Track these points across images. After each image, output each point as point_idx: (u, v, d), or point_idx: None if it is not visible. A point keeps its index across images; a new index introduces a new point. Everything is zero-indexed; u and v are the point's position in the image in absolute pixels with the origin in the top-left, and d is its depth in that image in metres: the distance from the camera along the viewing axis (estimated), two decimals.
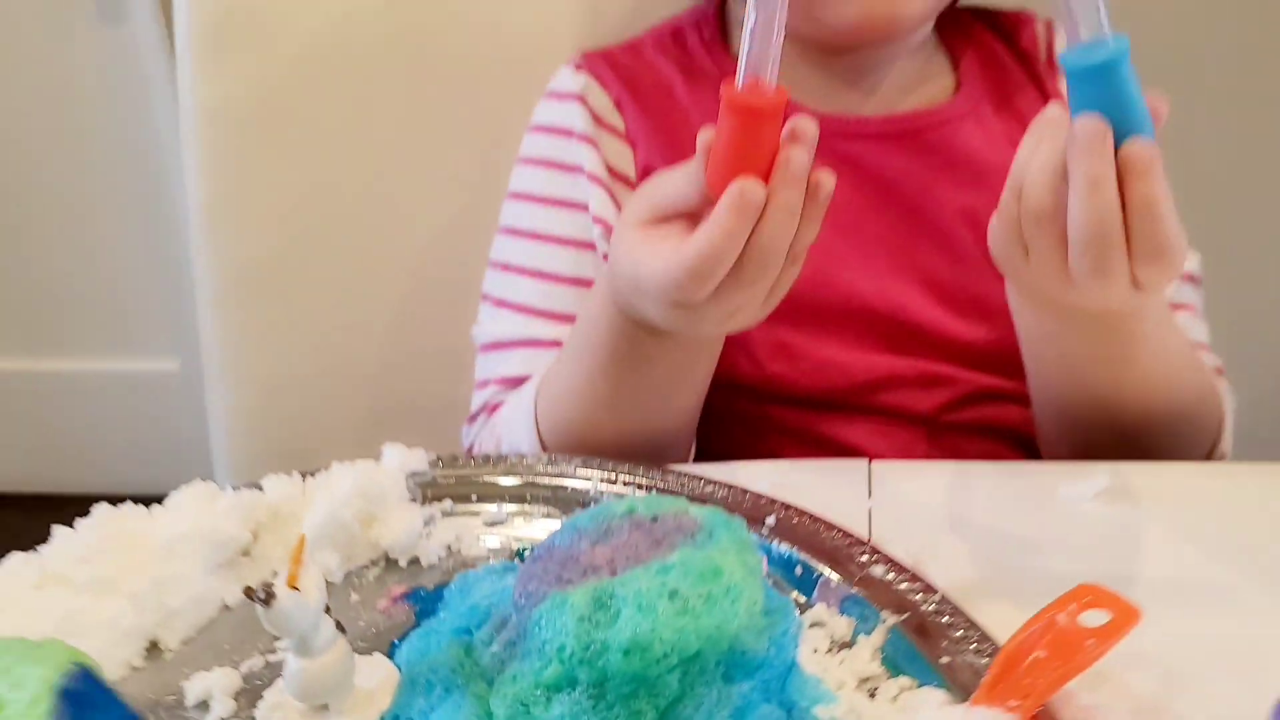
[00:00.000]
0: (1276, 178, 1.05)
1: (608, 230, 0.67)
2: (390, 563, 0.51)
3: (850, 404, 0.66)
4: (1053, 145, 0.47)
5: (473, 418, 0.70)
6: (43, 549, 0.49)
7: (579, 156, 0.69)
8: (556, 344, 0.67)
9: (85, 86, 1.51)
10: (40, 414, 1.74)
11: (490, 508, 0.54)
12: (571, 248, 0.68)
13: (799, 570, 0.47)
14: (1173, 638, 0.43)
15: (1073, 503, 0.53)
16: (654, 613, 0.38)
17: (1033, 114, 0.70)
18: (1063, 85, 0.71)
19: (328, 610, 0.40)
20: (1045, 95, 0.71)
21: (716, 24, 0.73)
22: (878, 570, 0.46)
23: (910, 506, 0.53)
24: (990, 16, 0.74)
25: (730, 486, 0.52)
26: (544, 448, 0.62)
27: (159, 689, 0.45)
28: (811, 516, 0.50)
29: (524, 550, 0.51)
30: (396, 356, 0.84)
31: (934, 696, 0.40)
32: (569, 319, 0.67)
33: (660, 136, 0.68)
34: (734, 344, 0.63)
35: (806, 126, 0.47)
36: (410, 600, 0.49)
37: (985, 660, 0.41)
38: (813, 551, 0.48)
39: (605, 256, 0.67)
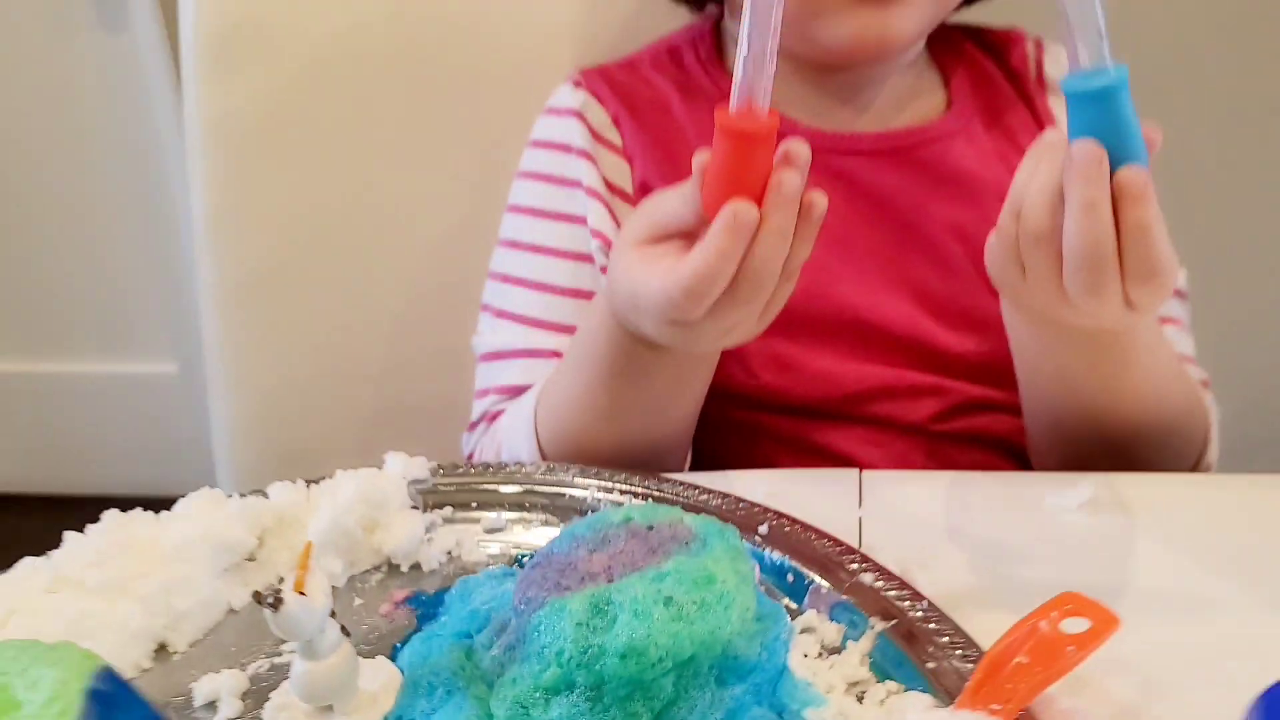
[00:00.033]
0: (1264, 194, 1.06)
1: (605, 243, 0.68)
2: (392, 568, 0.52)
3: (843, 413, 0.67)
4: (1051, 169, 0.48)
5: (473, 425, 0.71)
6: (53, 553, 0.49)
7: (577, 171, 0.69)
8: (555, 354, 0.68)
9: (86, 91, 1.51)
10: (40, 415, 1.73)
11: (490, 515, 0.54)
12: (570, 260, 0.69)
13: (790, 577, 0.48)
14: (1151, 645, 0.44)
15: (1058, 512, 0.53)
16: (649, 618, 0.39)
17: (1023, 131, 0.71)
18: (1053, 103, 0.72)
19: (333, 614, 0.41)
20: (1035, 113, 0.72)
21: (712, 42, 0.73)
22: (867, 578, 0.46)
23: (900, 515, 0.54)
24: (980, 34, 0.75)
25: (724, 495, 0.52)
26: (543, 456, 0.62)
27: (168, 690, 0.45)
28: (803, 525, 0.50)
29: (523, 556, 0.51)
30: (396, 361, 0.84)
31: (920, 700, 0.41)
32: (567, 329, 0.67)
33: (657, 152, 0.69)
34: (729, 355, 0.63)
35: (799, 150, 0.47)
36: (412, 604, 0.49)
37: (970, 665, 0.41)
38: (804, 559, 0.48)
39: (603, 269, 0.67)
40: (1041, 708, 0.40)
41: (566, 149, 0.70)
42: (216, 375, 0.84)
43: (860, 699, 0.42)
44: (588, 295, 0.68)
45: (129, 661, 0.46)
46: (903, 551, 0.49)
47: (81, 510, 0.51)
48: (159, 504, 0.52)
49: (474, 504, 0.55)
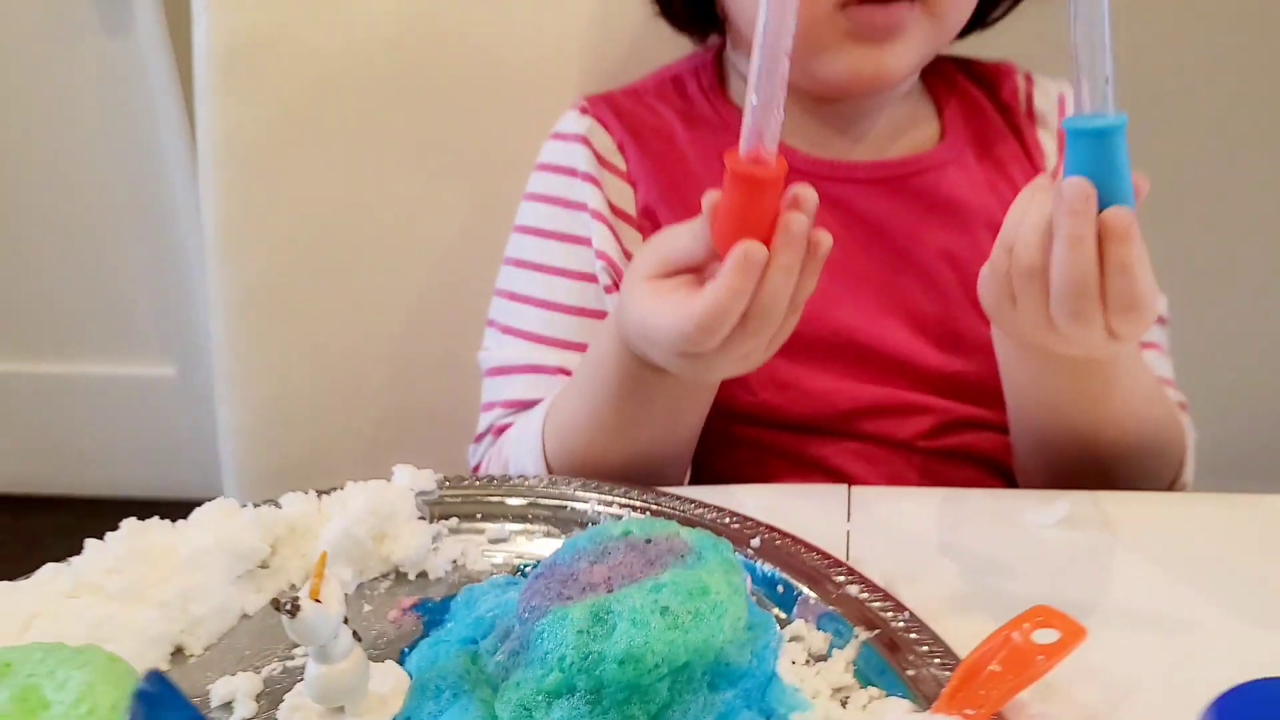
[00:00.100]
0: (1244, 217, 1.08)
1: (609, 264, 0.69)
2: (400, 576, 0.53)
3: (838, 430, 0.68)
4: (1043, 208, 0.50)
5: (479, 438, 0.72)
6: (74, 559, 0.50)
7: (583, 194, 0.70)
8: (559, 369, 0.69)
9: (88, 95, 1.50)
10: (39, 416, 1.73)
11: (494, 526, 0.55)
12: (575, 279, 0.70)
13: (780, 589, 0.49)
14: (1117, 654, 0.45)
15: (1036, 529, 0.54)
16: (647, 627, 0.40)
17: (1012, 162, 0.72)
18: (1042, 136, 0.73)
19: (345, 620, 0.41)
20: (1024, 145, 0.73)
21: (714, 71, 0.74)
22: (853, 590, 0.48)
23: (886, 530, 0.55)
24: (972, 67, 0.76)
25: (719, 510, 0.54)
26: (549, 469, 0.63)
27: (185, 691, 0.44)
28: (793, 539, 0.51)
29: (525, 566, 0.52)
30: (401, 370, 0.85)
31: (899, 705, 0.42)
32: (571, 346, 0.69)
33: (660, 178, 0.70)
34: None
35: (807, 195, 0.49)
36: (419, 611, 0.50)
37: (947, 673, 0.42)
38: (793, 571, 0.49)
39: (607, 289, 0.69)
40: (1013, 713, 0.42)
41: (572, 173, 0.71)
42: (224, 382, 0.85)
43: (844, 704, 0.43)
44: (591, 313, 0.70)
45: (148, 664, 0.46)
46: (888, 564, 0.50)
47: (81, 510, 0.52)
48: (157, 505, 0.53)
49: (479, 515, 0.56)
